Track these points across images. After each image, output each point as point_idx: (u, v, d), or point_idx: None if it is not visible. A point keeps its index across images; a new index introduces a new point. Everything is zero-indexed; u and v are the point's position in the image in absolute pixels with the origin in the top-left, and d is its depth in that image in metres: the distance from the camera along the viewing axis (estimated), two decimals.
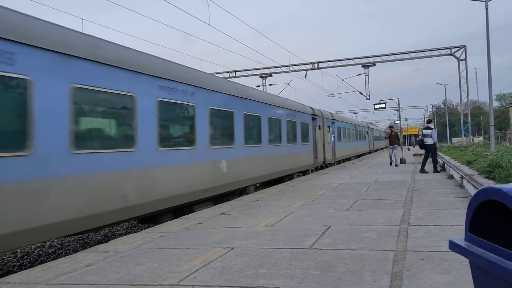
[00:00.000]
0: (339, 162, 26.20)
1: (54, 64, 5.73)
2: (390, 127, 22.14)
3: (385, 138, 22.97)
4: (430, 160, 15.15)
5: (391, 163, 19.96)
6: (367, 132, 41.82)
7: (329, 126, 23.11)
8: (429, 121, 16.67)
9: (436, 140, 14.89)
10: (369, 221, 6.33)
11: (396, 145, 20.17)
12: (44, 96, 5.54)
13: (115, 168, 6.72)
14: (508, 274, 1.51)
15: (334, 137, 24.20)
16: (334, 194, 10.07)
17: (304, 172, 18.46)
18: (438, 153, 26.88)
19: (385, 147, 60.72)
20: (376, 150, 51.02)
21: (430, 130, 14.81)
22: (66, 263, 4.90)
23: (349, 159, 29.85)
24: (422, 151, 15.86)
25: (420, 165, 15.39)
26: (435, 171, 14.74)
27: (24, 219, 5.16)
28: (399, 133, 22.50)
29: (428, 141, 14.60)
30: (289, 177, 16.31)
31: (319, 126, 21.13)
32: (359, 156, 35.07)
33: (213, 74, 15.56)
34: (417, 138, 20.18)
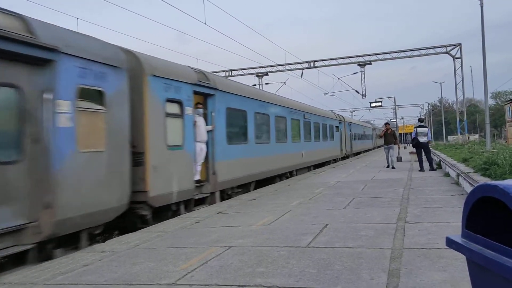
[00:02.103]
0: (235, 190, 11.43)
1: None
2: (386, 124, 18.84)
3: (380, 136, 19.14)
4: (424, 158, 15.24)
5: (388, 166, 17.12)
6: (337, 126, 27.09)
7: (180, 103, 8.88)
8: (422, 120, 16.86)
9: (431, 139, 15.16)
10: (366, 219, 6.34)
11: (392, 145, 17.47)
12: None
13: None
14: (505, 271, 1.52)
15: (209, 133, 10.03)
16: (331, 192, 10.09)
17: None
18: (434, 151, 27.12)
19: (374, 148, 51.53)
20: (359, 153, 37.25)
21: (426, 129, 15.05)
22: (63, 263, 4.88)
23: (281, 176, 15.17)
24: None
25: (417, 163, 15.44)
26: (431, 169, 14.81)
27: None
28: (395, 131, 19.64)
29: (424, 139, 14.78)
30: None
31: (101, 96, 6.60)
32: (318, 165, 21.30)
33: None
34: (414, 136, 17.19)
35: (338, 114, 30.37)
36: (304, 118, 18.57)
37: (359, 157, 31.64)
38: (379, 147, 56.47)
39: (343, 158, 28.88)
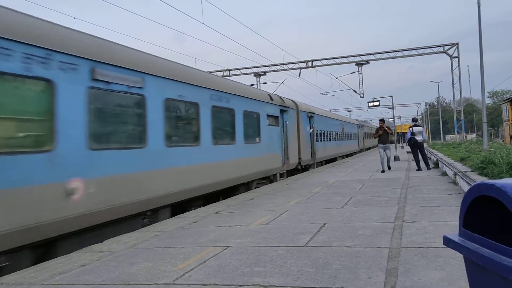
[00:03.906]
0: None
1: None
2: (381, 120, 15.84)
3: (375, 137, 15.81)
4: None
5: (383, 171, 14.89)
6: (274, 117, 15.19)
7: None
8: (416, 119, 17.07)
9: (425, 138, 15.54)
10: (364, 219, 6.35)
11: (388, 145, 15.38)
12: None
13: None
14: (502, 269, 1.52)
15: None
16: (329, 191, 10.10)
17: None
18: (432, 150, 27.25)
19: (362, 151, 42.88)
20: (333, 160, 26.64)
21: (421, 128, 15.30)
22: (60, 263, 4.87)
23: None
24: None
25: (414, 163, 15.51)
26: (428, 168, 14.88)
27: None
28: (391, 129, 16.24)
29: (420, 138, 14.99)
30: None
31: None
32: (214, 197, 10.68)
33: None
34: (409, 136, 15.75)
35: (281, 97, 16.85)
36: (130, 87, 7.32)
37: (336, 164, 22.55)
38: (368, 149, 48.90)
39: (294, 172, 17.63)
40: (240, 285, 3.62)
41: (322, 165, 22.61)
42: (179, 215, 8.21)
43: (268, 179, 14.45)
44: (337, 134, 28.63)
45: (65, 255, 5.40)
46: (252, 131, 13.05)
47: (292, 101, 18.39)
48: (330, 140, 25.89)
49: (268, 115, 14.36)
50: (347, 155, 32.92)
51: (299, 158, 18.02)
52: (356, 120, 46.78)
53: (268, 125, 14.35)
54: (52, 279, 4.20)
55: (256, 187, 13.12)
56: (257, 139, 13.43)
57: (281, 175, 15.87)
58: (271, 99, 15.13)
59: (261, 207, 8.35)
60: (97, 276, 4.19)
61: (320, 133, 22.75)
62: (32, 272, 4.56)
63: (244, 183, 12.22)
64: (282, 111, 16.06)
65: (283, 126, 16.16)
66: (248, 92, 13.22)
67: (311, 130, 20.45)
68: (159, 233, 6.33)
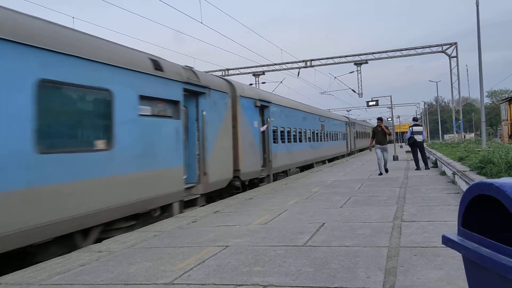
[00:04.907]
0: None
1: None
2: (379, 119, 14.47)
3: (371, 140, 14.47)
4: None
5: (380, 173, 13.84)
6: (160, 104, 8.10)
7: None
8: (417, 119, 17.07)
9: (425, 137, 15.52)
10: (363, 218, 6.35)
11: (386, 146, 14.00)
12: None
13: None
14: (501, 268, 1.52)
15: None
16: (328, 191, 10.10)
17: None
18: (430, 149, 27.29)
19: (352, 153, 35.96)
20: (308, 166, 20.91)
21: (421, 128, 15.29)
22: (59, 263, 4.86)
23: None
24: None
25: (413, 162, 15.53)
26: (427, 167, 14.89)
27: None
28: (389, 129, 14.45)
29: (420, 138, 14.99)
30: None
31: None
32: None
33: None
34: (409, 135, 15.36)
35: (194, 70, 9.84)
36: None
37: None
38: (361, 150, 42.67)
39: (233, 192, 11.58)
40: (239, 285, 3.62)
41: (286, 175, 16.69)
42: (177, 215, 8.20)
43: (148, 216, 7.73)
44: (313, 132, 21.99)
45: (64, 255, 5.40)
46: (80, 127, 6.20)
47: (225, 79, 12.09)
48: (300, 141, 19.22)
49: (144, 97, 7.63)
50: (331, 160, 26.56)
51: (237, 171, 11.68)
52: (344, 116, 38.41)
53: (146, 115, 7.71)
54: (50, 279, 4.19)
55: (107, 238, 6.46)
56: (101, 142, 6.57)
57: (192, 202, 9.38)
58: (158, 68, 8.10)
59: (260, 206, 8.35)
60: (96, 276, 4.19)
61: (282, 131, 16.55)
62: (30, 272, 4.56)
63: (52, 239, 5.59)
64: (193, 94, 9.65)
65: (197, 120, 9.80)
66: (60, 38, 5.85)
67: (265, 126, 14.48)
68: (158, 233, 6.33)
